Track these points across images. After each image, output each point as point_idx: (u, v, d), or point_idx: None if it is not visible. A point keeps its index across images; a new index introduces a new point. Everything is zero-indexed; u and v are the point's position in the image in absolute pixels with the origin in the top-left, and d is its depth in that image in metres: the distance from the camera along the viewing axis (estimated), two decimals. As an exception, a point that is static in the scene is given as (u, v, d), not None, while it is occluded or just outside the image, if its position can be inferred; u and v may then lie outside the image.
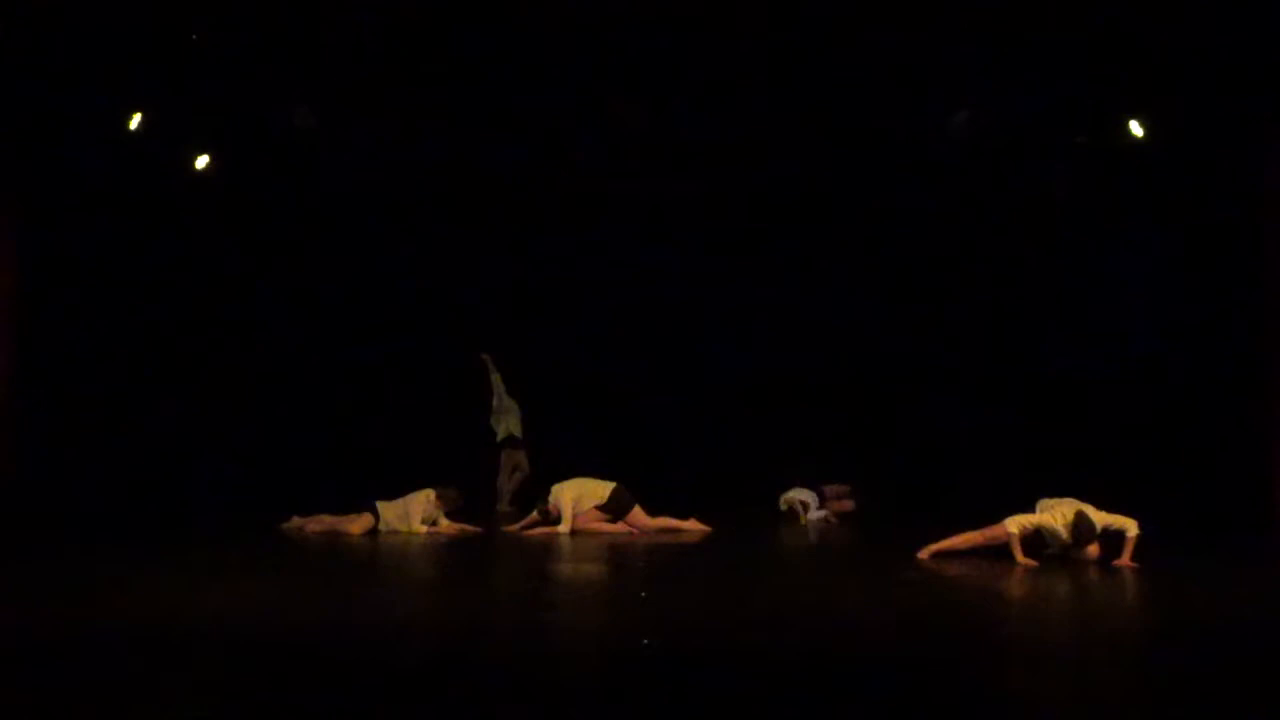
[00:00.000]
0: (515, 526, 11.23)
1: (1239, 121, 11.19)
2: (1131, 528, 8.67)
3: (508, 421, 13.35)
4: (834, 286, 14.71)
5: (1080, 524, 8.68)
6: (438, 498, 10.93)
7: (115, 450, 12.83)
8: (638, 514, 11.11)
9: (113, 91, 11.19)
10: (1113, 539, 8.71)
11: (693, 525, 11.13)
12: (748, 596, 7.58)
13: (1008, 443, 13.33)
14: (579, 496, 11.04)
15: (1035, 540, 8.93)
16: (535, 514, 11.13)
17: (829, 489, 12.60)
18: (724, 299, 14.81)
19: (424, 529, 10.72)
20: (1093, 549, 8.71)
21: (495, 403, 13.38)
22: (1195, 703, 5.12)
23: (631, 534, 10.93)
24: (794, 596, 7.53)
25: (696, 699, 5.10)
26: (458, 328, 14.19)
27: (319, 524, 10.79)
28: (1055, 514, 8.88)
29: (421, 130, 12.60)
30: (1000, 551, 8.91)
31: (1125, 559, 8.61)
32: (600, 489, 11.10)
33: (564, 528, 10.85)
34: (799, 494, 12.51)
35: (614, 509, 11.09)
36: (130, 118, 11.37)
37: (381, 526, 10.76)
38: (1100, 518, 8.75)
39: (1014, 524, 8.91)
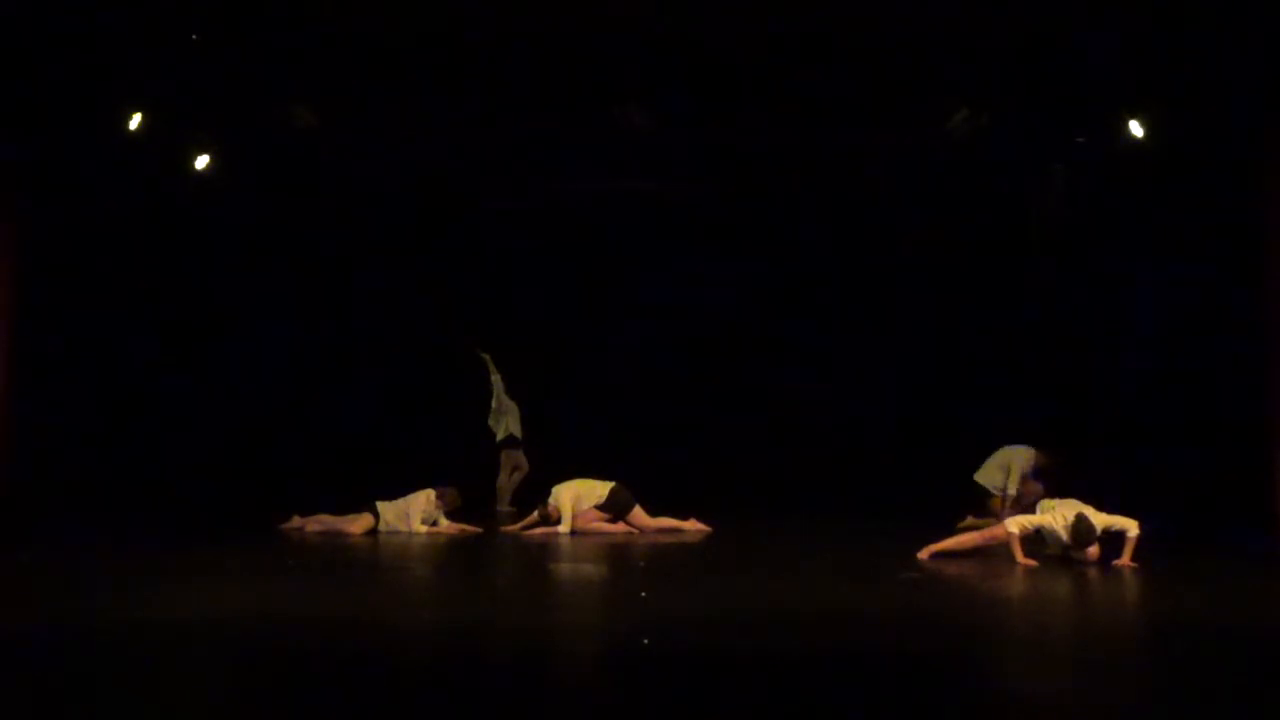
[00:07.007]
0: (515, 526, 11.24)
1: (1239, 121, 11.17)
2: (1132, 528, 8.67)
3: (507, 421, 13.34)
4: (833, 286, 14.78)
5: (1080, 526, 8.67)
6: (438, 498, 10.94)
7: (115, 450, 12.81)
8: (638, 514, 11.10)
9: (113, 91, 11.17)
10: (1113, 539, 8.71)
11: (693, 525, 11.12)
12: (748, 596, 7.58)
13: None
14: (578, 496, 11.04)
15: (1035, 541, 8.93)
16: (535, 514, 11.13)
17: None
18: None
19: (424, 529, 10.73)
20: (1093, 550, 8.71)
21: (495, 403, 13.37)
22: (1195, 703, 5.13)
23: (631, 534, 10.93)
24: (794, 596, 7.53)
25: (697, 699, 5.10)
26: (458, 328, 14.18)
27: (319, 524, 10.79)
28: (1055, 515, 8.88)
29: (420, 130, 12.59)
30: (1000, 551, 8.92)
31: (1125, 559, 8.62)
32: (599, 489, 11.09)
33: (564, 528, 10.85)
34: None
35: (613, 509, 11.08)
36: (130, 118, 11.37)
37: (381, 526, 10.76)
38: (1100, 519, 8.74)
39: (1014, 524, 8.92)
